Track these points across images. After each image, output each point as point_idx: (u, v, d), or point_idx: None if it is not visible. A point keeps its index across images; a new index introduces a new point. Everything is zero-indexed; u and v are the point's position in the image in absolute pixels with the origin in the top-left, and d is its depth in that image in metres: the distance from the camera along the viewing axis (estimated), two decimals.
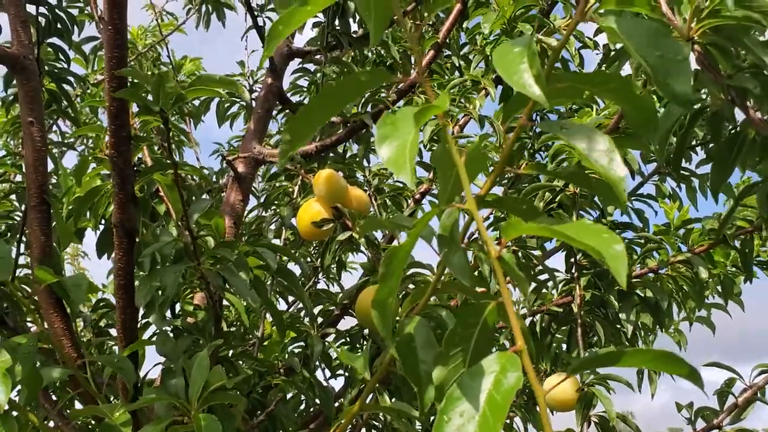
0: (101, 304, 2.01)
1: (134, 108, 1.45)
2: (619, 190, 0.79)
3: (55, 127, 2.54)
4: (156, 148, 1.87)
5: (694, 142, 2.55)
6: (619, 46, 1.22)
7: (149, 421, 1.24)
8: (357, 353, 1.31)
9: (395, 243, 1.82)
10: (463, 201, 0.82)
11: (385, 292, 0.82)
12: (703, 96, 1.06)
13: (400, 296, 1.46)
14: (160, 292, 1.31)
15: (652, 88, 1.46)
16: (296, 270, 2.11)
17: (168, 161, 1.24)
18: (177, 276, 1.22)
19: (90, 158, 1.58)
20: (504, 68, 0.72)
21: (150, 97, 1.10)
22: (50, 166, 2.32)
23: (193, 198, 1.54)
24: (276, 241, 2.20)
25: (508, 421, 2.54)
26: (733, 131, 1.04)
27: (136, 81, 1.21)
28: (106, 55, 1.24)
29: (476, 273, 1.67)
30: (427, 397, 0.92)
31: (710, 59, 1.04)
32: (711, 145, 2.29)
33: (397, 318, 0.94)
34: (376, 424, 2.62)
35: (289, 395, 2.02)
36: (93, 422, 1.80)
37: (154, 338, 1.39)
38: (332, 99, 0.85)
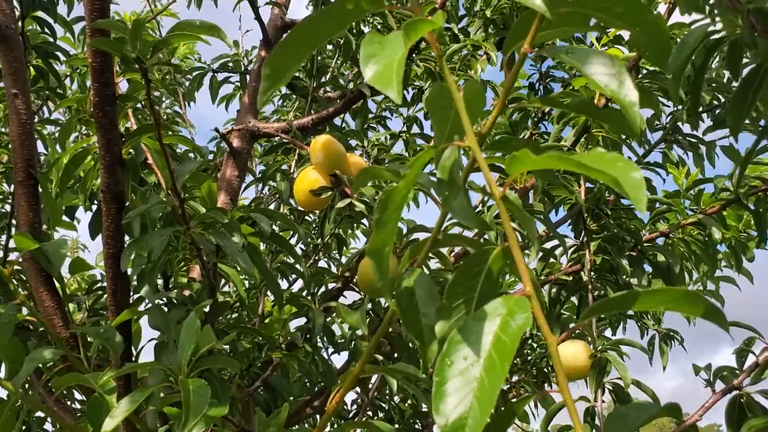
0: (95, 286, 1.95)
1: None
2: (630, 115, 0.72)
3: (45, 110, 2.49)
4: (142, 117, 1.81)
5: (700, 109, 2.48)
6: None
7: None
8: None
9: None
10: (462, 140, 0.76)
11: (381, 240, 0.75)
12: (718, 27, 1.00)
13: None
14: (150, 264, 1.26)
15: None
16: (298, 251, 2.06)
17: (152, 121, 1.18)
18: (164, 239, 1.16)
19: (74, 120, 1.51)
20: None
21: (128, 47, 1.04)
22: (41, 148, 2.27)
23: None
24: None
25: (515, 399, 2.49)
26: (753, 66, 0.97)
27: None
28: (86, 8, 1.18)
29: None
30: (430, 353, 0.86)
31: None
32: (718, 110, 2.23)
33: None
34: (383, 405, 2.56)
35: (293, 379, 1.97)
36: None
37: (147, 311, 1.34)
38: (317, 28, 0.79)
